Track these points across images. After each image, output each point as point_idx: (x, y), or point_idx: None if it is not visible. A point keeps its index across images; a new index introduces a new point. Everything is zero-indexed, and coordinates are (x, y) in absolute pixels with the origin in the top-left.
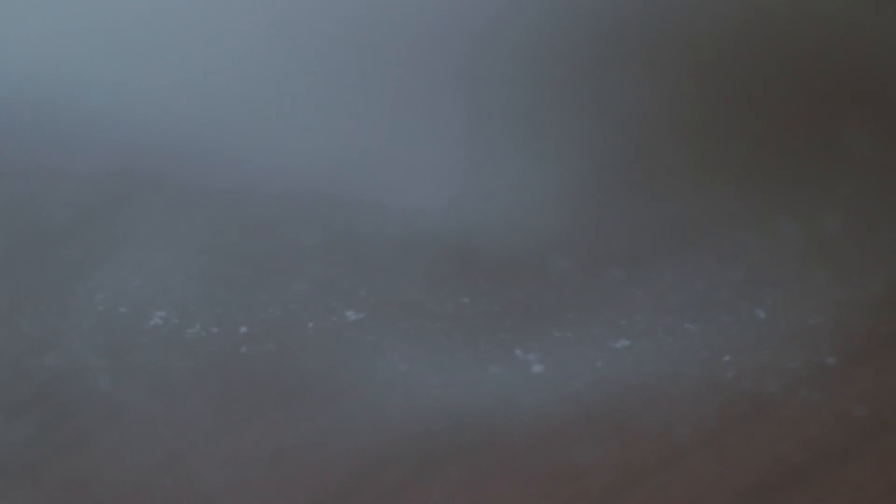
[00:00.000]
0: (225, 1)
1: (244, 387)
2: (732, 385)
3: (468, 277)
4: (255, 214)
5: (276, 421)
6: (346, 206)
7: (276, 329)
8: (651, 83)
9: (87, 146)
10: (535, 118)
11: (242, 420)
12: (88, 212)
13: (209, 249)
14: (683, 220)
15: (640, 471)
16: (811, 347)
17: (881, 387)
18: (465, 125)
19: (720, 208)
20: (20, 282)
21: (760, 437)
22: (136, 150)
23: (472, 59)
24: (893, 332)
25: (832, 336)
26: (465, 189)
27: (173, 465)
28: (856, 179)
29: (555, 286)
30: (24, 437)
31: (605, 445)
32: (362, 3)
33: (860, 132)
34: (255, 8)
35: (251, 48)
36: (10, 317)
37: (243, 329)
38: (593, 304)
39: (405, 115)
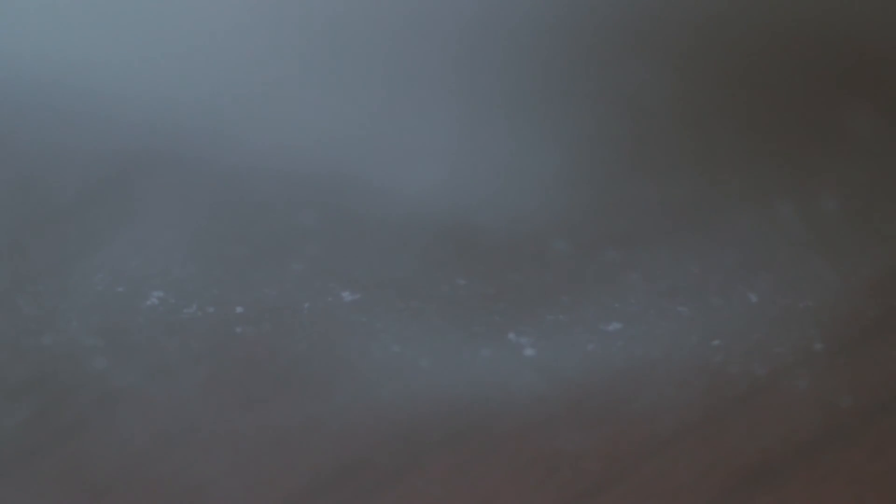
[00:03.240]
0: None
1: (239, 368)
2: (721, 369)
3: (465, 259)
4: (255, 194)
5: (269, 403)
6: (344, 186)
7: (272, 309)
8: (649, 65)
9: (87, 126)
10: (532, 100)
11: (236, 402)
12: (89, 191)
13: (208, 229)
14: (681, 203)
15: (630, 456)
16: (802, 332)
17: (873, 372)
18: (462, 106)
19: (718, 191)
20: (20, 261)
21: (749, 423)
22: (136, 130)
23: (470, 40)
24: (886, 316)
25: (824, 321)
26: (463, 171)
27: (169, 446)
28: (855, 164)
29: (551, 268)
30: (21, 419)
31: (594, 431)
32: None
33: (859, 116)
34: None
35: (251, 27)
36: (9, 296)
37: (239, 309)
38: (588, 286)
39: (403, 96)
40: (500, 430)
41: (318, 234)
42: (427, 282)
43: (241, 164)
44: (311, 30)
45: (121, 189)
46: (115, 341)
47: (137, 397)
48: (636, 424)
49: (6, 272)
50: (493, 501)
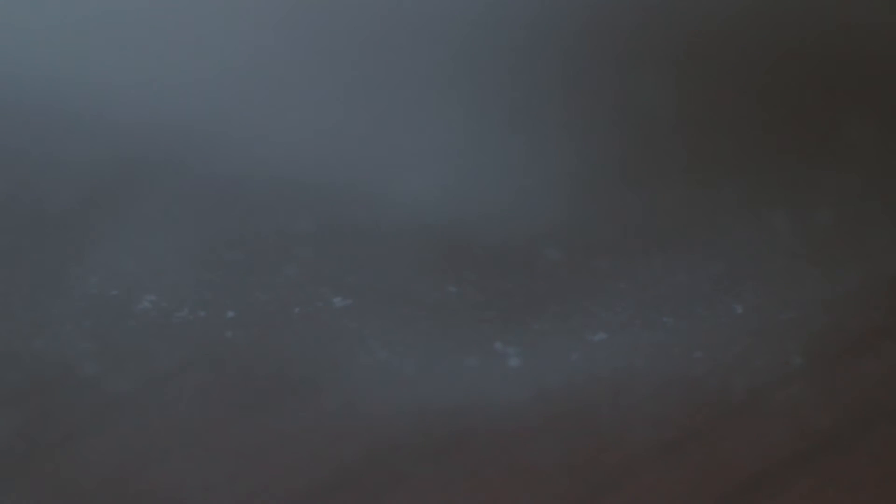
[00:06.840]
0: None
1: (228, 373)
2: (704, 382)
3: (457, 267)
4: (249, 200)
5: (256, 410)
6: (339, 193)
7: (262, 314)
8: (642, 76)
9: (83, 132)
10: (526, 110)
11: (224, 408)
12: (82, 196)
13: (201, 233)
14: (673, 213)
15: (615, 470)
16: (784, 345)
17: (857, 384)
18: (456, 116)
19: (707, 202)
20: (17, 266)
21: (735, 437)
22: (132, 136)
23: (465, 50)
24: (871, 329)
25: (809, 333)
26: (457, 179)
27: (159, 453)
28: (844, 177)
29: (542, 277)
30: (11, 427)
31: (577, 443)
32: None
33: (850, 130)
34: None
35: (249, 37)
36: (4, 301)
37: (230, 313)
38: (577, 295)
39: (398, 105)
40: (482, 443)
41: (310, 240)
42: (419, 289)
43: (234, 170)
44: (309, 41)
45: (113, 194)
46: (107, 345)
47: (127, 403)
48: (620, 437)
49: (4, 276)
50: None
